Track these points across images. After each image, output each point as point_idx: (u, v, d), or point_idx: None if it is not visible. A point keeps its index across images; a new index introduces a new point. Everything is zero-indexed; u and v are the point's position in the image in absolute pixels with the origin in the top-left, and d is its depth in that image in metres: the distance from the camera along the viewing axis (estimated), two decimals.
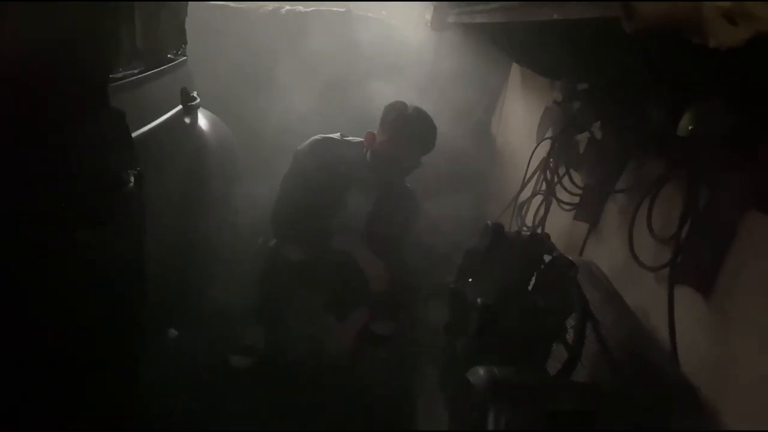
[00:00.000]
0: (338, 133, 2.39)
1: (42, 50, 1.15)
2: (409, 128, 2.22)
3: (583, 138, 2.18)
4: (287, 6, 4.12)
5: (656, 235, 1.71)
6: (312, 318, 2.32)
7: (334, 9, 4.07)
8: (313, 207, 2.25)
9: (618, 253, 1.96)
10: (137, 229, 1.53)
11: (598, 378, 1.72)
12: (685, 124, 1.57)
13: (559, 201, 2.26)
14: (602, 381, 1.70)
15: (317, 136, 2.36)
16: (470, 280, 1.79)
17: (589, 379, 1.73)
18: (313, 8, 4.08)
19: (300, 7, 4.11)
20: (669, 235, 1.65)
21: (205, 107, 2.87)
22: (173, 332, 2.09)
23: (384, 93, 2.33)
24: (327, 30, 3.94)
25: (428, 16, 3.88)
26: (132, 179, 1.33)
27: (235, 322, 2.43)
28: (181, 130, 2.10)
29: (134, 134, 1.57)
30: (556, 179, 2.28)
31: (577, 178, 2.22)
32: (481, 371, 1.43)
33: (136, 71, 1.68)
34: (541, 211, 2.42)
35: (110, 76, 1.40)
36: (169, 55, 2.02)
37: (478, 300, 1.66)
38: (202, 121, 2.61)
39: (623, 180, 2.02)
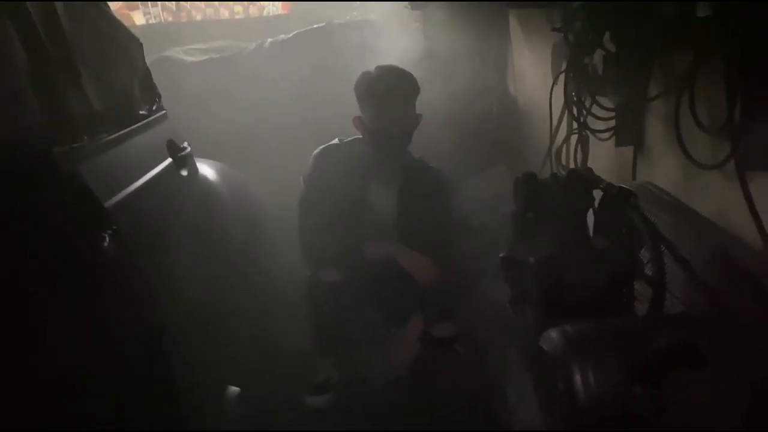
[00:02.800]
0: (336, 139, 2.26)
1: None
2: (378, 86, 2.09)
3: (598, 58, 1.96)
4: (269, 39, 4.04)
5: (707, 129, 1.48)
6: (373, 335, 2.16)
7: (315, 26, 3.97)
8: (337, 220, 2.10)
9: (673, 165, 1.73)
10: (136, 292, 1.43)
11: (697, 306, 1.50)
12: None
13: (594, 132, 2.04)
14: (700, 308, 1.47)
15: (316, 150, 2.23)
16: (519, 242, 1.60)
17: (687, 309, 1.50)
18: (294, 32, 3.99)
19: (281, 35, 4.03)
20: (721, 125, 1.42)
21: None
22: (233, 390, 1.96)
23: None
24: (313, 49, 3.84)
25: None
26: (106, 239, 1.23)
27: (301, 362, 2.28)
28: (178, 183, 2.00)
29: (119, 195, 1.48)
30: (584, 112, 2.06)
31: (606, 102, 2.00)
32: (553, 334, 1.24)
33: (105, 135, 1.58)
34: (580, 152, 2.20)
35: (76, 145, 1.31)
36: (141, 112, 1.94)
37: (531, 259, 1.46)
38: (209, 171, 2.51)
39: (654, 86, 1.79)
